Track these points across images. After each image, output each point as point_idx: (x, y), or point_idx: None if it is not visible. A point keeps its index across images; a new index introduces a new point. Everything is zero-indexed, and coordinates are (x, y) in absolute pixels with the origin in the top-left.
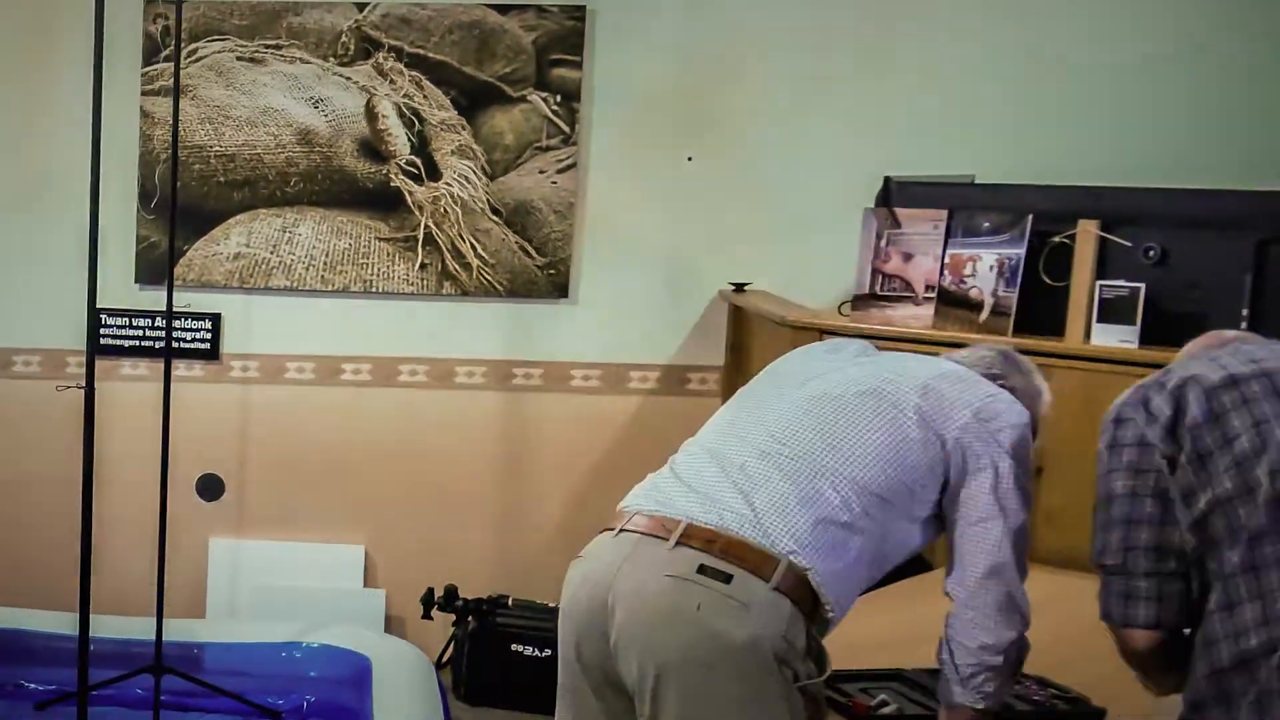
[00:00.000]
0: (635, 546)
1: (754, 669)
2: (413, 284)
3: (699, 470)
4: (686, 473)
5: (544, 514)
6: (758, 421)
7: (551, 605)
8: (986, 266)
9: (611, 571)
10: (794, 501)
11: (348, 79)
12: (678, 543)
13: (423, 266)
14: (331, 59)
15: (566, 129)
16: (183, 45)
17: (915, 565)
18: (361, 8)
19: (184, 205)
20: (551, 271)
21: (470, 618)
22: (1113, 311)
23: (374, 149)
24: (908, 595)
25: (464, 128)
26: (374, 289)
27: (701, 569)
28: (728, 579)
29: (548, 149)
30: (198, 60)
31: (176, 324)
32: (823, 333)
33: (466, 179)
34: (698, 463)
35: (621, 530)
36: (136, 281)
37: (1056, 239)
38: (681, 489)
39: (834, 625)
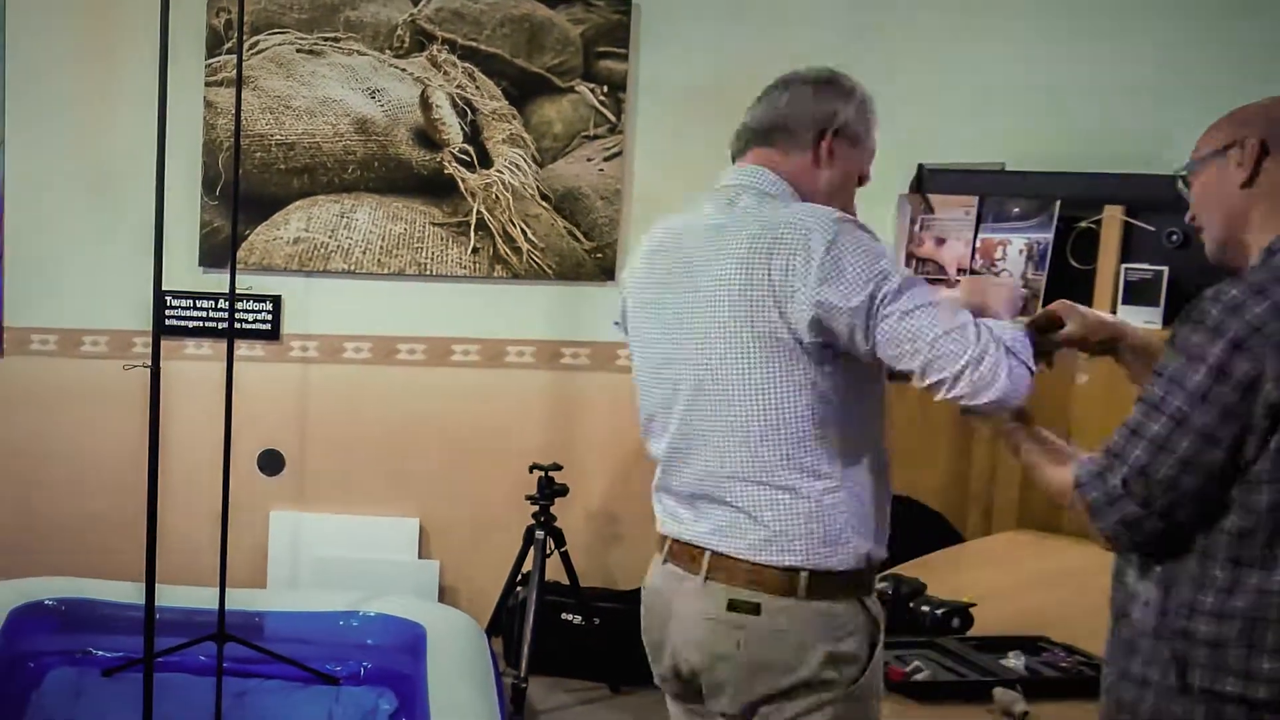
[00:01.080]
0: (678, 583)
1: (812, 683)
2: (465, 267)
3: (685, 487)
4: (679, 488)
5: (590, 489)
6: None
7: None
8: (1016, 251)
9: (665, 612)
10: (783, 498)
11: (403, 70)
12: (706, 578)
13: (475, 250)
14: (387, 51)
15: (613, 118)
16: (244, 38)
17: (948, 536)
18: (416, 2)
19: (246, 191)
20: (598, 255)
21: (520, 588)
22: (1137, 293)
23: (428, 138)
24: (941, 566)
25: (514, 117)
26: (428, 272)
27: (731, 605)
28: (757, 609)
29: (595, 137)
30: (259, 52)
31: (239, 306)
32: None
33: (517, 166)
34: (678, 478)
35: (664, 559)
36: (200, 265)
37: (1083, 224)
38: (689, 512)
39: (882, 548)
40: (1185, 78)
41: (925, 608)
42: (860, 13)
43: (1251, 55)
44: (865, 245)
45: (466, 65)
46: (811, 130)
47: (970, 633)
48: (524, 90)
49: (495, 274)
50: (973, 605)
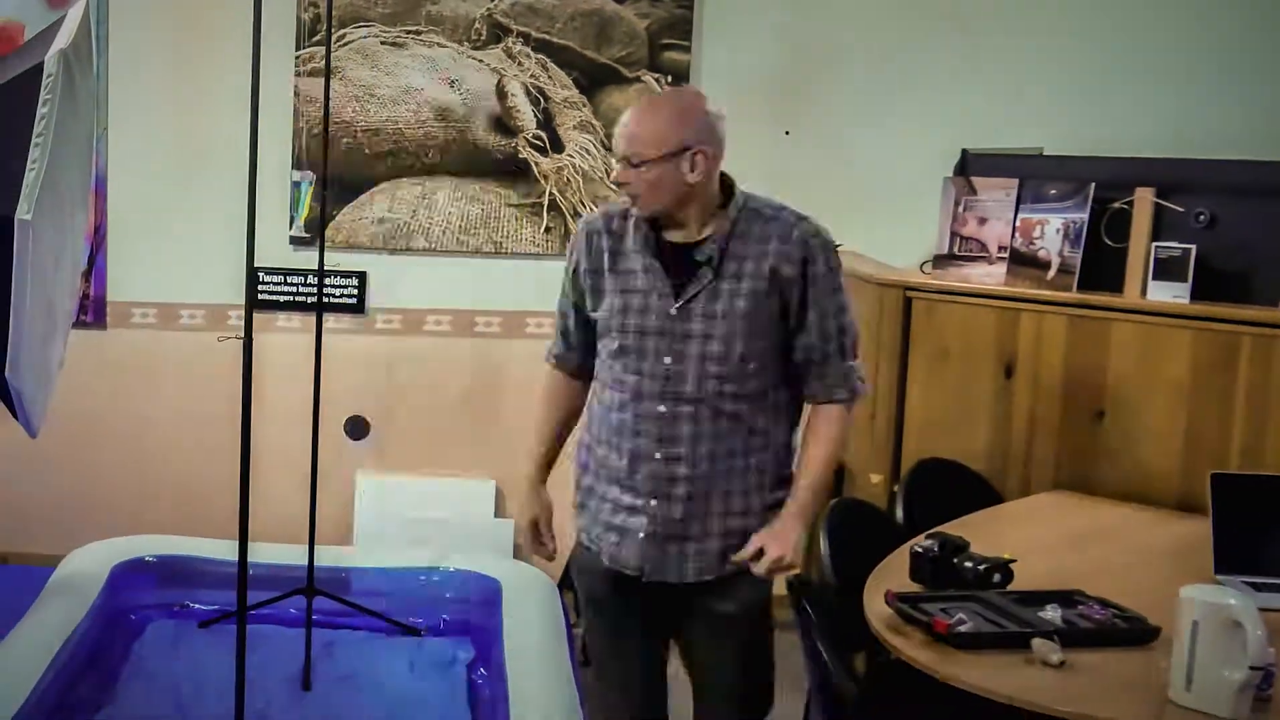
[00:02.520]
0: None
1: None
2: (538, 245)
3: None
4: None
5: None
6: None
7: None
8: (1053, 230)
9: None
10: None
11: (480, 61)
12: None
13: (547, 229)
14: (466, 43)
15: None
16: (332, 31)
17: (989, 497)
18: None
19: (333, 175)
20: None
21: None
22: (1166, 270)
23: (504, 124)
24: (983, 524)
25: (584, 105)
26: (504, 250)
27: None
28: None
29: None
30: (346, 44)
31: (327, 281)
32: (906, 289)
33: (587, 151)
34: None
35: None
36: (291, 243)
37: (1116, 205)
38: None
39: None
40: (1210, 71)
41: (968, 564)
42: (909, 9)
43: (1273, 52)
44: None
45: (539, 57)
46: None
47: (1010, 587)
48: (593, 80)
49: (565, 252)
50: (1013, 561)
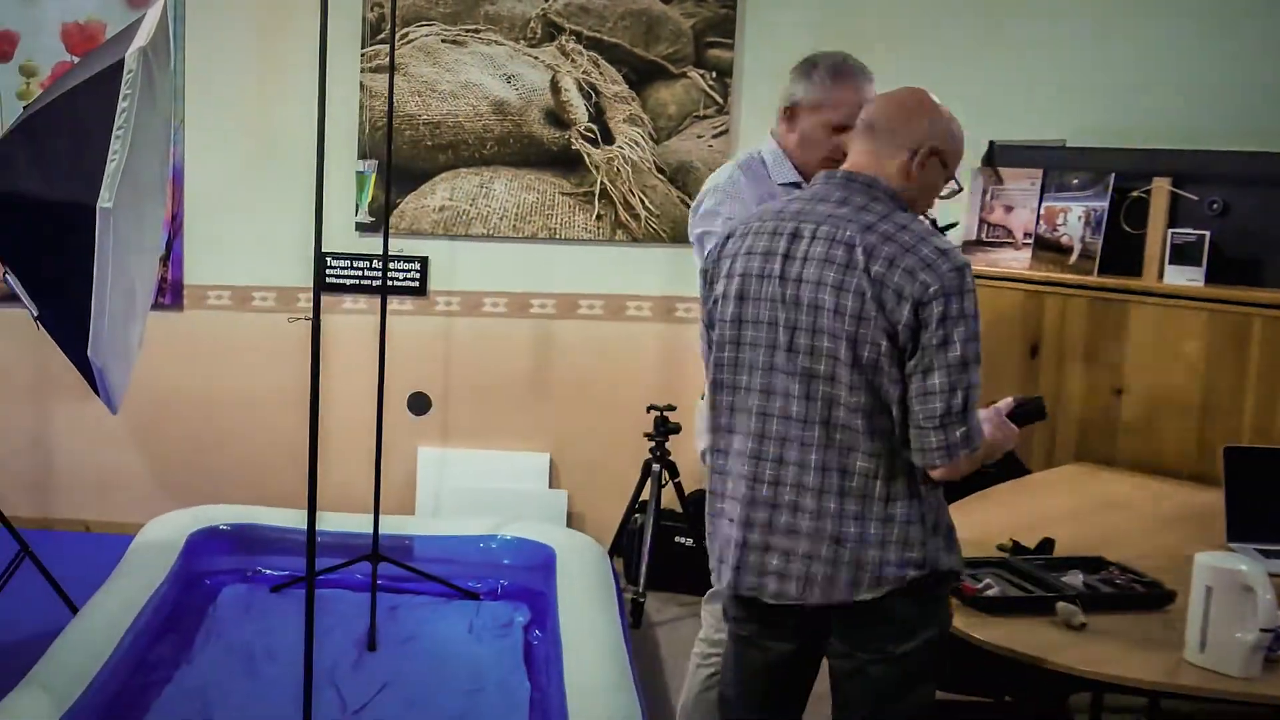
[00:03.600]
0: None
1: None
2: (590, 232)
3: None
4: None
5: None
6: None
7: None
8: (1075, 217)
9: None
10: None
11: (535, 58)
12: None
13: (599, 217)
14: (521, 41)
15: (720, 100)
16: (396, 30)
17: (1015, 469)
18: None
19: (397, 165)
20: None
21: (638, 515)
22: (1182, 255)
23: (557, 118)
24: (1010, 495)
25: (634, 99)
26: (557, 236)
27: None
28: None
29: (704, 117)
30: (409, 42)
31: (390, 265)
32: None
33: (636, 143)
34: None
35: None
36: (357, 230)
37: (1135, 194)
38: None
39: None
40: (1224, 66)
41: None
42: (940, 6)
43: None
44: None
45: (591, 54)
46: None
47: (1033, 553)
48: (642, 76)
49: (616, 238)
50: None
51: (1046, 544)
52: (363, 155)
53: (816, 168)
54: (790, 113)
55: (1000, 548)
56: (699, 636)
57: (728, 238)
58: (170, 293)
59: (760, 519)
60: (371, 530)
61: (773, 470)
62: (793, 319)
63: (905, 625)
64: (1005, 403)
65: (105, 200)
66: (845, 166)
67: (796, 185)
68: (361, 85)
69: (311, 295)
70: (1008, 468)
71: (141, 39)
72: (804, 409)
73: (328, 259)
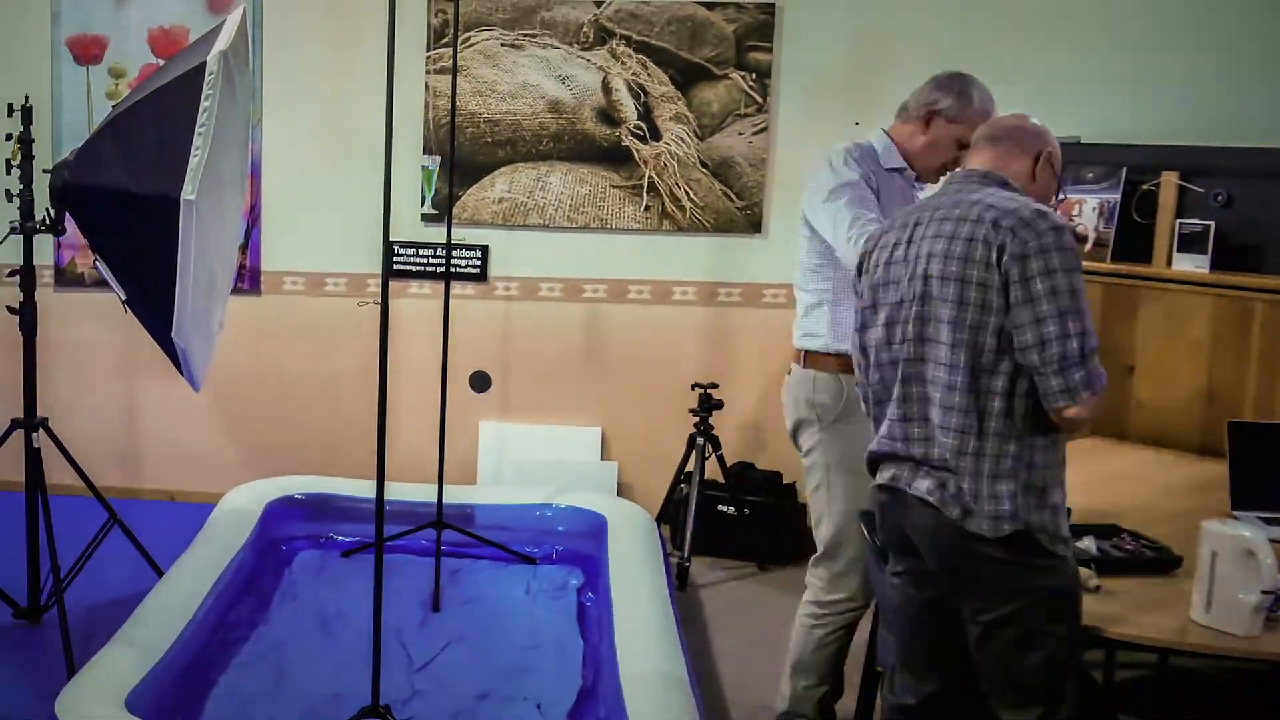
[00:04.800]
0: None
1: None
2: (639, 222)
3: None
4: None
5: (739, 403)
6: None
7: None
8: (1090, 208)
9: None
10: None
11: (588, 61)
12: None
13: (647, 208)
14: (575, 45)
15: (760, 100)
16: (459, 35)
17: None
18: (599, 4)
19: (459, 160)
20: (748, 212)
21: (683, 485)
22: (1189, 243)
23: (609, 116)
24: None
25: (679, 99)
26: (609, 226)
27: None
28: (790, 372)
29: (745, 115)
30: (470, 46)
31: (453, 253)
32: None
33: (681, 139)
34: None
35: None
36: (422, 220)
37: (1145, 187)
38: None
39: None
40: (1228, 67)
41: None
42: (963, 13)
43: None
44: None
45: (640, 57)
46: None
47: None
48: (687, 77)
49: (663, 227)
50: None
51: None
52: (427, 151)
53: (932, 175)
54: (929, 118)
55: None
56: (806, 599)
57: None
58: (249, 278)
59: None
60: (436, 499)
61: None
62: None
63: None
64: None
65: (189, 193)
66: (971, 167)
67: (901, 171)
68: (426, 86)
69: (380, 281)
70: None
71: (222, 43)
72: None
73: (395, 247)
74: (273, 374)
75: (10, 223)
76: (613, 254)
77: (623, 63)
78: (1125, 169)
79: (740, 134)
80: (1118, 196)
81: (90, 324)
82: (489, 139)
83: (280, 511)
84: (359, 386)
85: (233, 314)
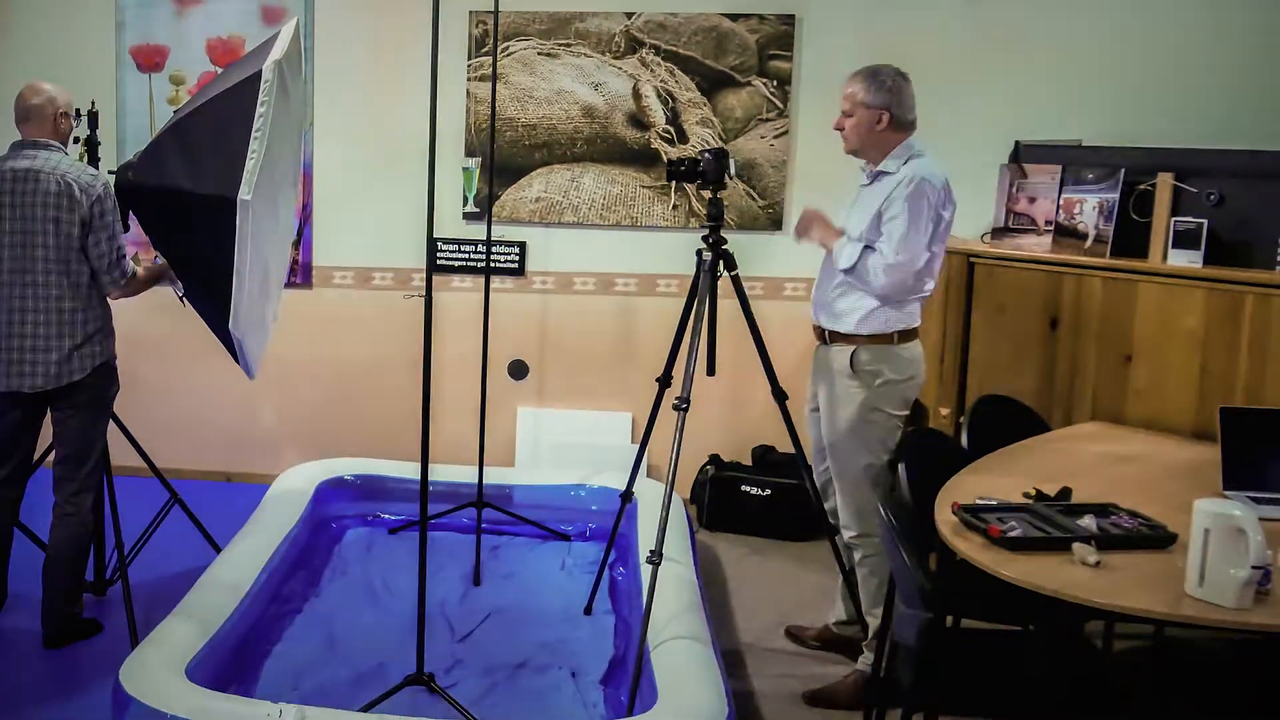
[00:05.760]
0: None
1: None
2: (667, 220)
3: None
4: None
5: (762, 387)
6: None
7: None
8: (1090, 207)
9: None
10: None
11: (619, 69)
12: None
13: (674, 207)
14: (607, 54)
15: (780, 105)
16: (498, 44)
17: (1038, 427)
18: (630, 16)
19: (498, 161)
20: (769, 210)
21: (710, 466)
22: (1183, 240)
23: (639, 120)
24: (1034, 448)
25: (705, 104)
26: (639, 224)
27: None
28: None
29: (767, 120)
30: (509, 55)
31: (493, 249)
32: (969, 257)
33: (707, 142)
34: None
35: None
36: (464, 218)
37: (1142, 186)
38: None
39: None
40: (1221, 74)
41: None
42: (973, 22)
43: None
44: None
45: (668, 65)
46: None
47: (1053, 500)
48: (712, 84)
49: (690, 225)
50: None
51: (1065, 492)
52: (469, 153)
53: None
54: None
55: (1025, 495)
56: None
57: None
58: (301, 273)
59: None
60: (476, 480)
61: None
62: None
63: None
64: None
65: (245, 193)
66: None
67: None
68: (468, 92)
69: (424, 275)
70: (1033, 426)
71: (277, 53)
72: None
73: (438, 244)
74: (324, 363)
75: None
76: (642, 250)
77: (652, 70)
78: (1123, 170)
79: (762, 137)
80: (1116, 196)
81: (151, 315)
82: (526, 142)
83: (331, 491)
84: (404, 374)
85: (286, 306)
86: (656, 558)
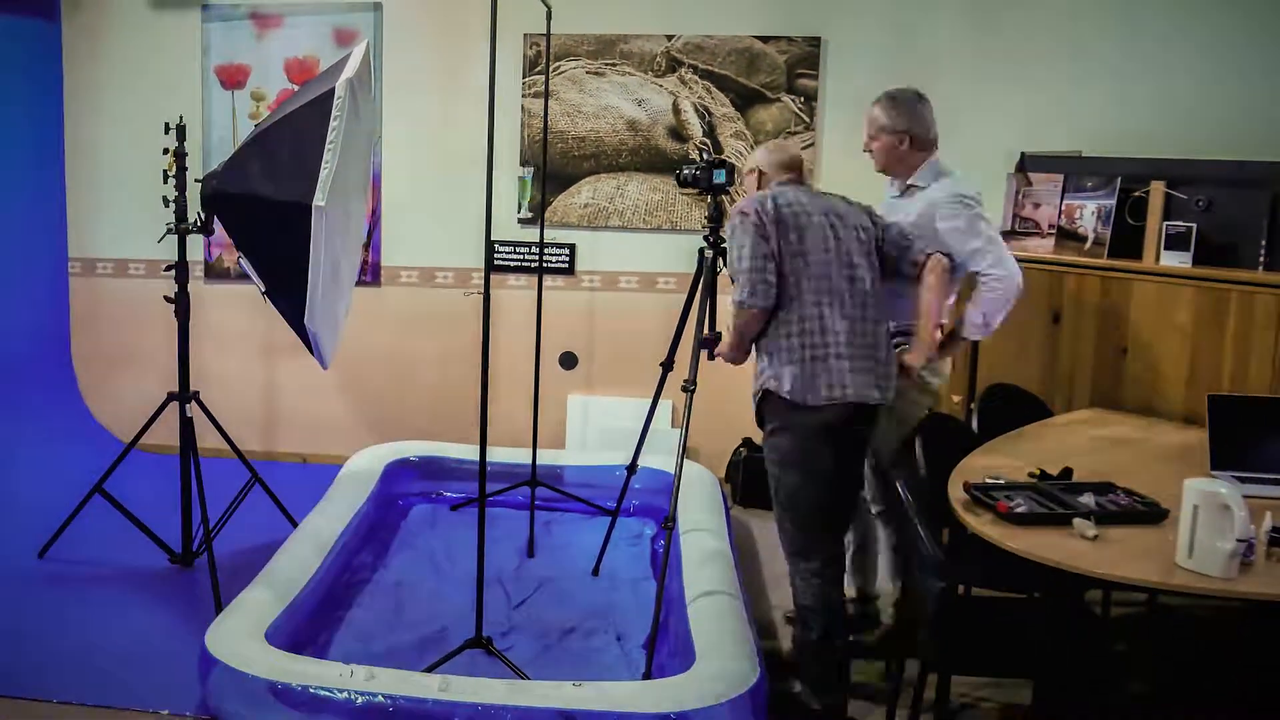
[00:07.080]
0: None
1: None
2: (704, 224)
3: None
4: None
5: None
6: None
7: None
8: (1089, 212)
9: None
10: None
11: (660, 86)
12: None
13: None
14: (649, 72)
15: (807, 120)
16: (550, 64)
17: (1041, 412)
18: (670, 38)
19: (550, 171)
20: None
21: (743, 448)
22: (1174, 242)
23: (678, 133)
24: (1036, 432)
25: (739, 119)
26: (678, 228)
27: None
28: None
29: (795, 133)
30: (560, 73)
31: (545, 251)
32: None
33: (741, 153)
34: None
35: None
36: (519, 222)
37: (1137, 193)
38: None
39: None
40: (1210, 88)
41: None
42: (981, 47)
43: (1258, 72)
44: None
45: (705, 82)
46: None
47: (1055, 479)
48: (745, 100)
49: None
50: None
51: (1066, 472)
52: (523, 163)
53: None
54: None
55: (1030, 474)
56: None
57: None
58: (370, 272)
59: None
60: (530, 461)
61: None
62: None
63: None
64: None
65: (319, 200)
66: None
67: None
68: (522, 108)
69: (483, 274)
70: (1035, 411)
71: (349, 71)
72: None
73: (495, 246)
74: (391, 354)
75: (167, 225)
76: (682, 251)
77: (690, 88)
78: (1120, 178)
79: None
80: (1113, 202)
81: (235, 311)
82: (575, 153)
83: (398, 471)
84: (464, 365)
85: (357, 303)
86: (670, 523)
